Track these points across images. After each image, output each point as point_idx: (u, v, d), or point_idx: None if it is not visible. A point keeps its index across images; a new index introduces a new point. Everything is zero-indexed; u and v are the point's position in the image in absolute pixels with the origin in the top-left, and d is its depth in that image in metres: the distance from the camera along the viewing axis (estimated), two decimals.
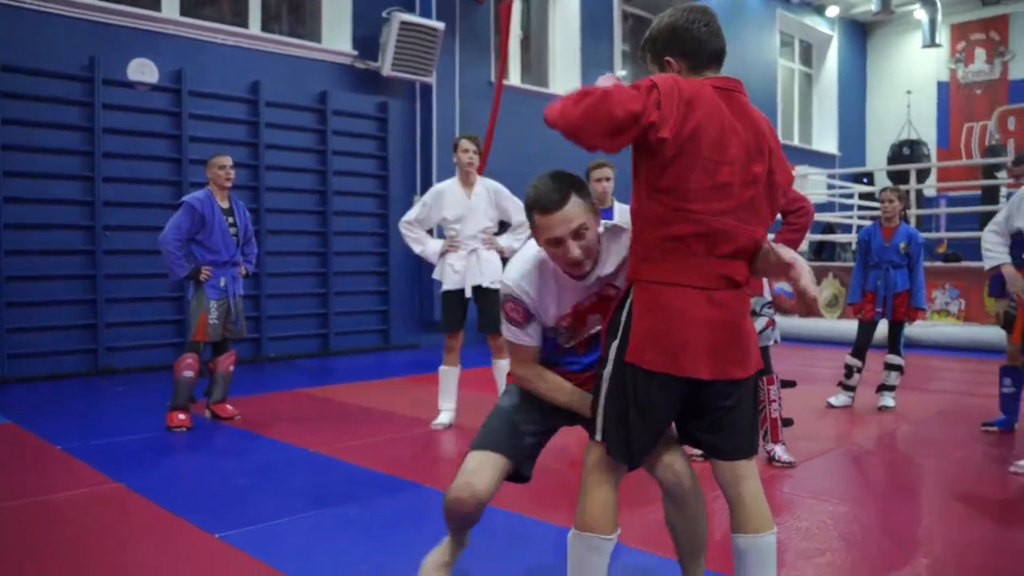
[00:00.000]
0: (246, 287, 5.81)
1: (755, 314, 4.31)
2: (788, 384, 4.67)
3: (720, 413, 2.17)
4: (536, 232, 2.25)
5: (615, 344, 2.16)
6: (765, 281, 4.37)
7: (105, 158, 7.57)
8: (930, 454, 4.72)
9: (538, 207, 2.20)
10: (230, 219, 5.57)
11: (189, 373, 5.31)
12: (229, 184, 5.55)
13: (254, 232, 5.91)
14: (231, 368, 5.65)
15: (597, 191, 5.00)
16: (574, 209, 2.19)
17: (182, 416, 5.26)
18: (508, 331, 2.43)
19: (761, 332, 4.26)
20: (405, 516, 3.60)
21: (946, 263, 11.24)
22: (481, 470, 2.40)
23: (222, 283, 5.48)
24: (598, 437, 2.21)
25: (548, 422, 2.54)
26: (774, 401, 4.42)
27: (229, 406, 5.62)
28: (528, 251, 2.42)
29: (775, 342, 4.43)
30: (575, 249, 2.19)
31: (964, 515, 3.63)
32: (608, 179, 4.99)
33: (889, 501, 3.90)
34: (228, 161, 5.54)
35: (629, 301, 2.16)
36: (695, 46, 2.20)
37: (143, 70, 7.76)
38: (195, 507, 3.65)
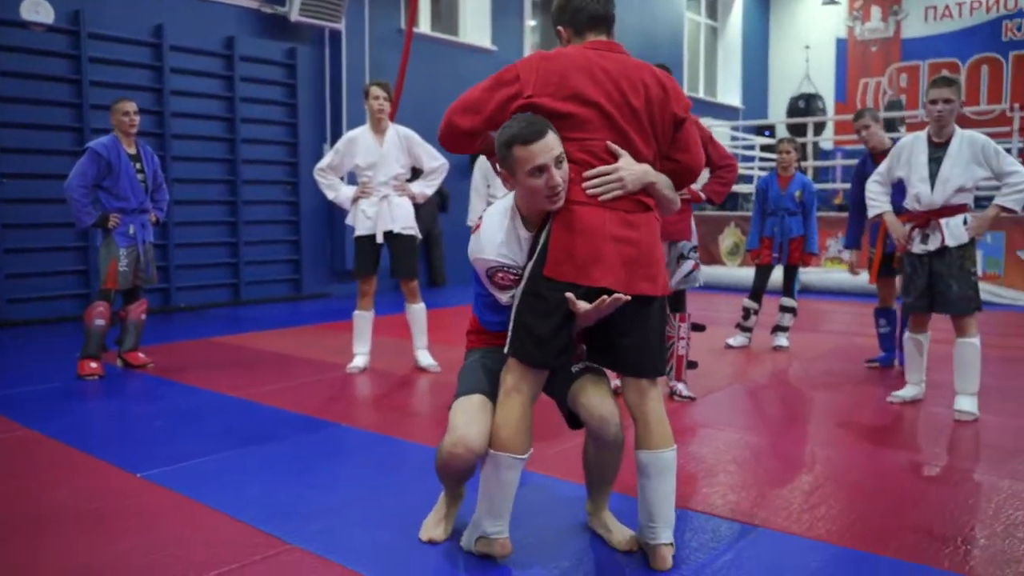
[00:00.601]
0: (154, 237, 5.70)
1: (683, 257, 4.58)
2: (698, 328, 4.91)
3: (631, 331, 2.40)
4: (517, 165, 2.33)
5: (532, 262, 2.38)
6: (694, 225, 4.64)
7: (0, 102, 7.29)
8: (819, 388, 5.07)
9: (519, 140, 2.30)
10: (137, 165, 5.47)
11: (100, 321, 5.26)
12: (134, 130, 5.45)
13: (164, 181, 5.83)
14: (143, 316, 5.61)
15: None
16: (553, 138, 2.32)
17: (93, 364, 5.22)
18: (506, 296, 2.51)
19: (688, 275, 4.58)
20: (326, 453, 3.72)
21: (840, 213, 11.78)
22: (470, 421, 2.43)
23: (131, 230, 5.41)
24: (507, 350, 2.42)
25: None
26: (683, 339, 4.69)
27: (141, 354, 5.59)
28: (492, 220, 2.50)
29: (698, 284, 4.71)
30: (558, 176, 2.31)
31: (846, 440, 3.95)
32: None
33: (779, 429, 4.22)
34: (132, 107, 5.43)
35: (549, 223, 2.38)
36: (575, 14, 2.54)
37: (37, 9, 7.45)
38: (114, 449, 3.68)
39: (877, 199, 4.66)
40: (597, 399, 2.47)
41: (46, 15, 7.48)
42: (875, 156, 5.35)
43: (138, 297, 5.58)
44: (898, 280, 5.22)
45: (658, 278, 2.41)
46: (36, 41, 7.49)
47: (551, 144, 2.30)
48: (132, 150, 5.46)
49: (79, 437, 3.88)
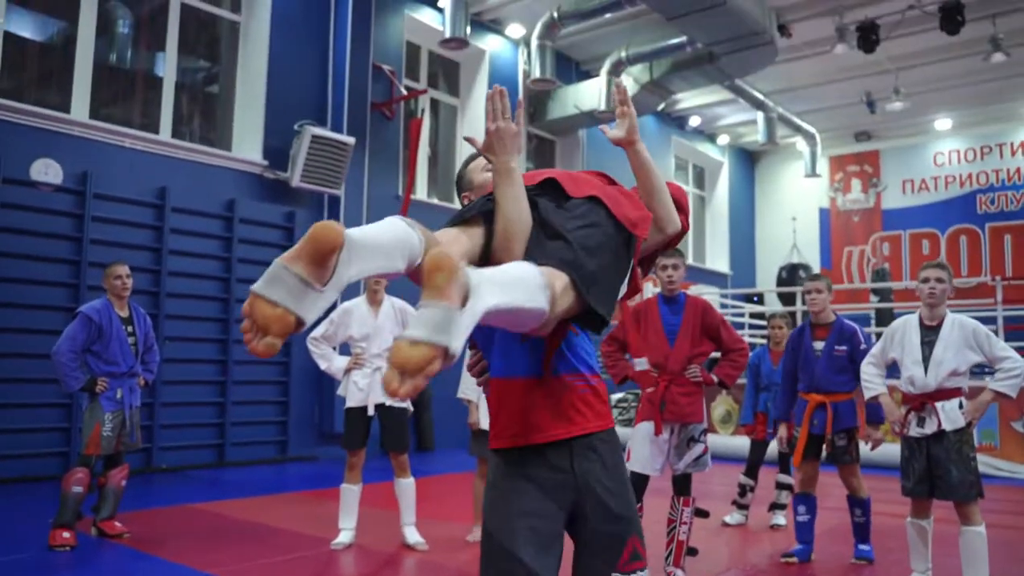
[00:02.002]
0: (141, 398, 5.58)
1: (694, 440, 4.50)
2: (702, 513, 4.77)
3: None
4: (473, 175, 2.35)
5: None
6: (705, 407, 4.61)
7: None
8: (821, 572, 4.88)
9: (467, 163, 2.40)
10: (129, 328, 5.45)
11: (79, 488, 5.10)
12: (126, 294, 5.46)
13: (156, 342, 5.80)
14: (123, 483, 5.44)
15: None
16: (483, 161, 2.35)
17: (66, 534, 5.01)
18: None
19: (698, 458, 4.51)
20: None
21: None
22: None
23: (119, 395, 5.33)
24: None
25: (547, 521, 2.02)
26: (685, 524, 4.54)
27: (118, 523, 5.38)
28: None
29: (707, 468, 4.62)
30: None
31: None
32: None
33: None
34: (124, 270, 5.45)
35: None
36: None
37: (47, 170, 7.66)
38: None
39: (872, 381, 4.65)
40: None
41: (55, 176, 7.68)
42: (815, 327, 5.29)
43: (120, 463, 5.43)
44: (846, 471, 5.09)
45: None
46: (41, 200, 7.65)
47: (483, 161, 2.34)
48: (124, 313, 5.46)
49: None
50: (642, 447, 4.50)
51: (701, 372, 4.57)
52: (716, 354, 4.80)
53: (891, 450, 5.41)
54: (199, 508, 6.48)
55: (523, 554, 1.95)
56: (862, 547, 5.14)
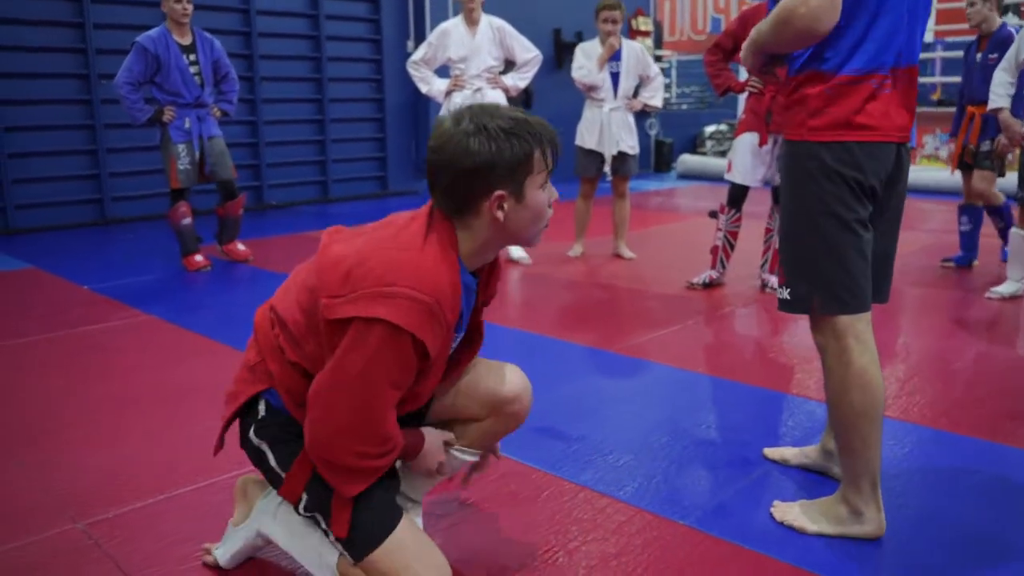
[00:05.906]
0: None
1: None
2: None
3: None
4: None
5: None
6: None
7: (94, 3, 7.43)
8: (916, 283, 4.97)
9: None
10: (191, 57, 5.26)
11: (187, 220, 5.35)
12: (186, 19, 5.19)
13: (233, 70, 5.64)
14: (240, 212, 5.69)
15: (604, 31, 5.16)
16: None
17: (199, 258, 5.41)
18: None
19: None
20: None
21: (938, 108, 11.28)
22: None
23: (186, 124, 5.25)
24: None
25: None
26: (771, 231, 4.66)
27: (241, 246, 5.77)
28: None
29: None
30: None
31: (942, 332, 3.92)
32: (616, 22, 5.17)
33: (875, 321, 4.17)
34: None
35: None
36: None
37: None
38: (229, 332, 3.90)
39: (996, 91, 4.45)
40: None
41: None
42: (981, 39, 5.01)
43: (235, 195, 5.58)
44: (976, 175, 5.00)
45: None
46: None
47: None
48: (185, 40, 5.24)
49: (195, 321, 4.11)
50: (744, 158, 4.52)
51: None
52: None
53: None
54: (312, 236, 6.88)
55: None
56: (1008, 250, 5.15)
